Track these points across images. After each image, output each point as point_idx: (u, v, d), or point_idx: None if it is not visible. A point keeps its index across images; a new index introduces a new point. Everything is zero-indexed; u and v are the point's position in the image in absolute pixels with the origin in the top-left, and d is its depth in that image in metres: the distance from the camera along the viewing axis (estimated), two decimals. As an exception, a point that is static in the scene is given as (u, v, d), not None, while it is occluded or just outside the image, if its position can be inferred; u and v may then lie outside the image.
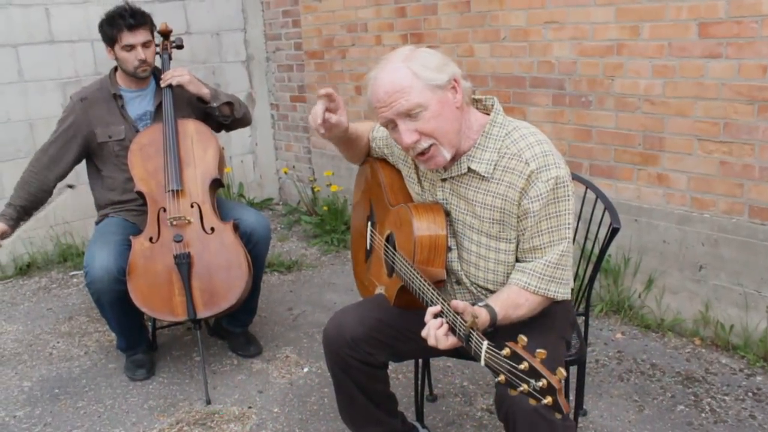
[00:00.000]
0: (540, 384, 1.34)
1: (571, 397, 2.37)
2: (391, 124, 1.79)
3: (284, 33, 5.13)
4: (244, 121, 3.30)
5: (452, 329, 1.60)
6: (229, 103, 3.16)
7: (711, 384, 2.76)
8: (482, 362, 1.47)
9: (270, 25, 5.26)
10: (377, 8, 4.27)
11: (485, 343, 1.47)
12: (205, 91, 3.11)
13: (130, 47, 2.98)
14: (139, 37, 2.99)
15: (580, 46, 3.25)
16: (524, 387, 1.37)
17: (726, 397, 2.67)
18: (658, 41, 2.98)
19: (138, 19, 2.98)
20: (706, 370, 2.86)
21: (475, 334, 1.51)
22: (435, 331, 1.61)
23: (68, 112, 3.09)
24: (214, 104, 3.11)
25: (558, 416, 1.36)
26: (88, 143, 3.07)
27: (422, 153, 1.79)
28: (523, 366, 1.37)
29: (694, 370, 2.87)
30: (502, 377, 1.42)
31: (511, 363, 1.39)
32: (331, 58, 4.74)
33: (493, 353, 1.44)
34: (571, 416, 2.37)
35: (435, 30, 3.91)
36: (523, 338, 1.42)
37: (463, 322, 1.55)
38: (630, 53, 3.08)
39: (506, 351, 1.40)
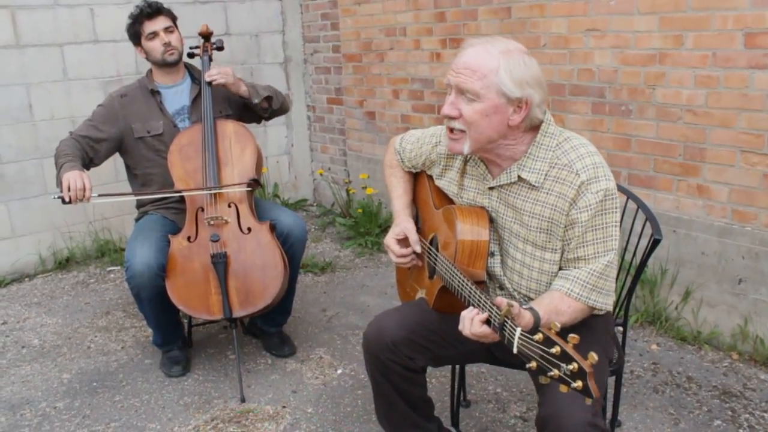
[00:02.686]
0: (571, 367, 1.36)
1: (607, 407, 2.35)
2: (448, 89, 1.83)
3: (322, 35, 5.17)
4: (282, 110, 3.38)
5: (487, 321, 1.62)
6: (268, 98, 3.23)
7: (749, 400, 2.72)
8: (515, 349, 1.49)
9: (308, 28, 5.30)
10: (416, 12, 4.29)
11: (518, 329, 1.49)
12: (243, 89, 3.18)
13: (153, 35, 3.10)
14: (159, 23, 3.10)
15: (622, 55, 3.23)
16: (555, 372, 1.39)
17: (765, 414, 2.62)
18: (702, 51, 2.95)
19: (154, 8, 3.12)
20: (744, 386, 2.82)
21: (509, 322, 1.53)
22: (469, 316, 1.65)
23: (107, 105, 3.16)
24: (255, 101, 3.18)
25: (588, 401, 1.36)
26: (122, 137, 3.13)
27: (449, 129, 1.85)
28: (555, 350, 1.39)
29: (732, 385, 2.82)
30: (533, 363, 1.44)
31: (543, 348, 1.41)
32: (369, 62, 4.77)
33: (526, 339, 1.46)
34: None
35: (474, 36, 3.91)
36: (556, 324, 1.43)
37: (498, 311, 1.56)
38: (673, 63, 3.05)
39: (539, 336, 1.42)
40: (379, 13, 4.57)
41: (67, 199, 2.76)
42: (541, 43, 3.56)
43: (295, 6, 5.29)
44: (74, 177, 2.76)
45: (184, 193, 3.01)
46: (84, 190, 2.76)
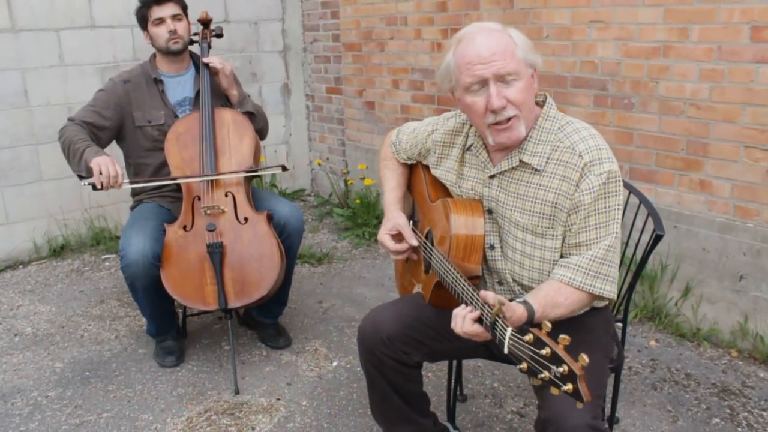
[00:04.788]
0: (561, 370, 1.32)
1: (606, 405, 2.33)
2: (477, 85, 1.73)
3: (322, 24, 5.11)
4: (258, 134, 3.27)
5: (479, 319, 1.59)
6: (251, 114, 3.16)
7: (748, 398, 2.70)
8: (506, 349, 1.46)
9: (308, 16, 5.24)
10: (418, 1, 4.23)
11: (509, 329, 1.45)
12: (233, 93, 3.13)
13: (160, 20, 3.02)
14: (167, 9, 3.03)
15: (625, 47, 3.19)
16: (545, 374, 1.36)
17: (764, 413, 2.60)
18: (707, 44, 2.90)
19: None
20: (743, 383, 2.79)
21: (500, 321, 1.49)
22: (461, 314, 1.62)
23: (109, 90, 3.07)
24: (238, 110, 3.14)
25: (579, 405, 1.33)
26: (122, 123, 3.07)
27: (499, 123, 1.74)
28: (545, 351, 1.35)
29: (731, 383, 2.80)
30: (524, 365, 1.41)
31: (534, 349, 1.38)
32: (369, 51, 4.72)
33: (517, 339, 1.42)
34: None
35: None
36: (547, 324, 1.39)
37: (489, 309, 1.53)
38: (677, 56, 3.01)
39: (529, 337, 1.39)
40: (379, 1, 4.52)
41: (99, 186, 2.72)
42: (544, 34, 3.51)
43: (294, -7, 5.24)
44: (106, 162, 2.71)
45: (211, 178, 2.94)
46: (117, 176, 2.73)
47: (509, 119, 1.73)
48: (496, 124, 1.74)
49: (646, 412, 2.63)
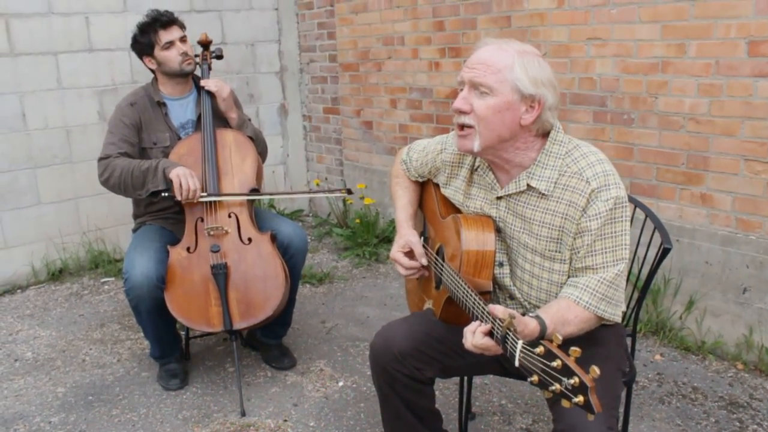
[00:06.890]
0: (572, 382, 1.32)
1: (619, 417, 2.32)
2: (461, 85, 1.80)
3: (319, 45, 5.14)
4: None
5: (490, 333, 1.59)
6: (249, 138, 3.15)
7: (756, 410, 2.69)
8: (516, 362, 1.46)
9: (305, 37, 5.27)
10: (414, 21, 4.27)
11: (520, 342, 1.46)
12: (233, 116, 3.13)
13: (170, 44, 3.03)
14: (174, 32, 3.04)
15: (624, 64, 3.22)
16: (556, 386, 1.35)
17: (773, 425, 2.60)
18: (705, 59, 2.94)
19: (169, 17, 3.05)
20: (750, 396, 2.79)
21: (511, 334, 1.50)
22: (470, 330, 1.62)
23: (122, 116, 3.03)
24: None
25: (590, 417, 1.33)
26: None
27: (459, 127, 1.81)
28: (556, 363, 1.35)
29: (738, 395, 2.80)
30: (535, 377, 1.41)
31: (545, 361, 1.38)
32: (366, 71, 4.74)
33: (528, 352, 1.43)
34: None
35: (473, 45, 3.87)
36: (557, 337, 1.40)
37: (500, 323, 1.53)
38: (675, 71, 3.04)
39: (540, 349, 1.39)
40: (376, 22, 4.55)
41: (178, 198, 2.79)
42: (542, 52, 3.51)
43: (291, 15, 5.27)
44: (185, 175, 2.80)
45: (292, 195, 2.91)
46: (196, 190, 2.81)
47: (463, 127, 1.79)
48: (458, 127, 1.81)
49: (656, 426, 2.62)
